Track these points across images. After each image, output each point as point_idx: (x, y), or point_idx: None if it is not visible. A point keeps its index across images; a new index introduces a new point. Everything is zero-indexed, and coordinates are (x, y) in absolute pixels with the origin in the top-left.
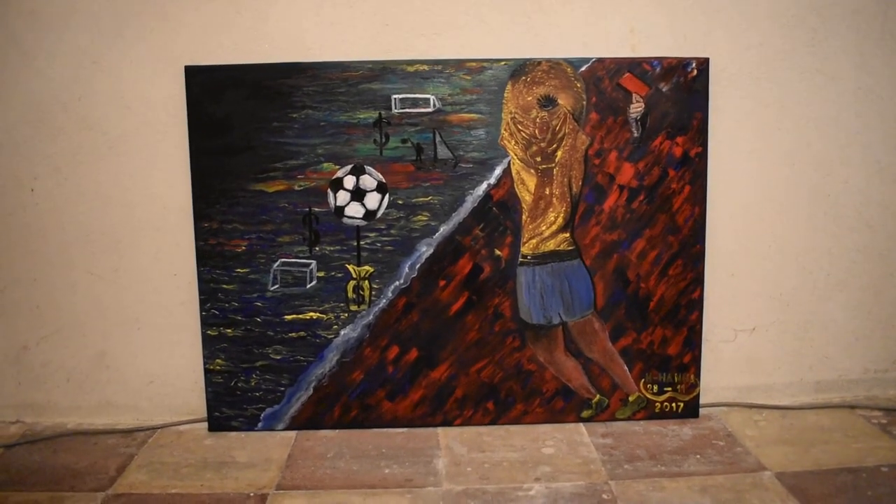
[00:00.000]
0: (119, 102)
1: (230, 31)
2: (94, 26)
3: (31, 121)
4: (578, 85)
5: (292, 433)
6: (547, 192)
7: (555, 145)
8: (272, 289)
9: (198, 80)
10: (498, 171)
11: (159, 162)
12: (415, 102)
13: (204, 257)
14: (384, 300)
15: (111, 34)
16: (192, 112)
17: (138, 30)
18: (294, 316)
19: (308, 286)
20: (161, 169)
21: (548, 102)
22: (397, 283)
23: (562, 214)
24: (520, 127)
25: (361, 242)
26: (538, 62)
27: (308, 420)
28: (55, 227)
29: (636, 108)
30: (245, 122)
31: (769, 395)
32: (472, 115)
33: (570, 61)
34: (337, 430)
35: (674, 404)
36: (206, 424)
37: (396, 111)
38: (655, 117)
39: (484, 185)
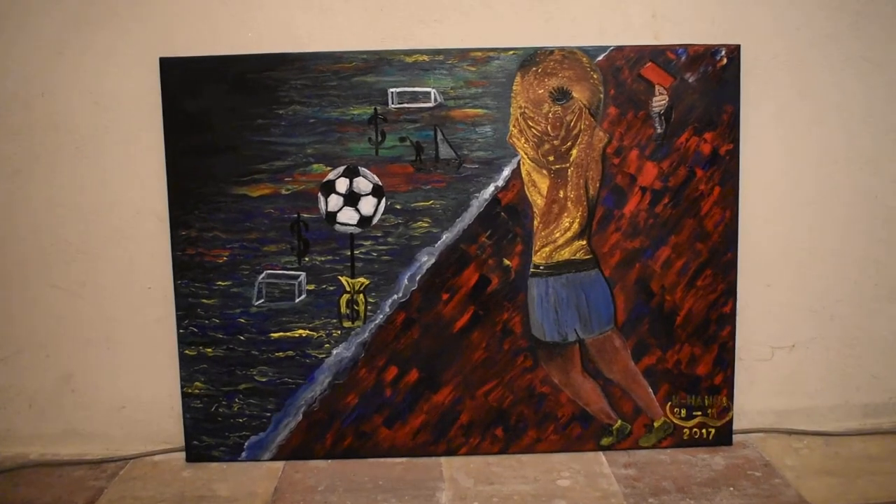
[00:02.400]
0: (87, 98)
1: (210, 18)
2: (59, 13)
3: None
4: (595, 76)
5: (279, 464)
6: (561, 195)
7: (569, 143)
8: (257, 303)
9: (174, 72)
10: (506, 172)
11: (132, 163)
12: (414, 97)
13: (181, 269)
14: (381, 316)
15: (78, 22)
16: (169, 108)
17: (108, 17)
18: (281, 334)
19: (297, 300)
20: (134, 171)
21: (561, 96)
22: (395, 296)
23: (577, 220)
24: (530, 123)
25: (356, 252)
26: (550, 51)
27: (297, 449)
28: (14, 235)
29: (659, 101)
30: (227, 119)
31: (811, 419)
32: (478, 110)
33: (585, 50)
34: (329, 461)
35: (704, 430)
36: (183, 454)
37: (394, 106)
38: (681, 111)
39: (491, 188)
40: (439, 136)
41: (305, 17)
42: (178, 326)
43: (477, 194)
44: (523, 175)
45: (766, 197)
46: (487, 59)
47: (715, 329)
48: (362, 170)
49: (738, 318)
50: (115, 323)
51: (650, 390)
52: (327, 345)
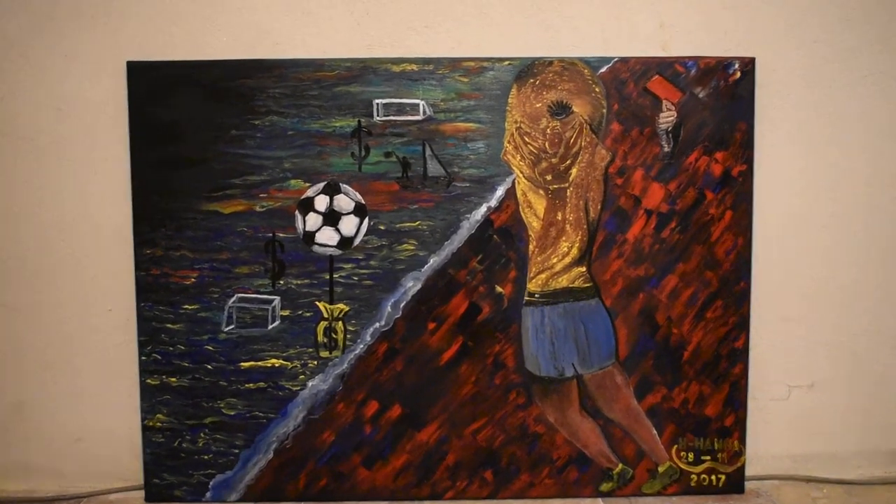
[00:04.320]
0: (48, 104)
1: (182, 20)
2: (22, 13)
3: None
4: (597, 89)
5: None
6: (559, 218)
7: (568, 161)
8: (226, 329)
9: (143, 78)
10: (500, 191)
11: (94, 175)
12: (401, 109)
13: (145, 290)
14: (361, 345)
15: (41, 22)
16: (135, 116)
17: (74, 18)
18: (252, 363)
19: (270, 327)
20: (96, 183)
21: (560, 110)
22: (377, 324)
23: (577, 244)
24: (527, 139)
25: (335, 276)
26: (549, 62)
27: (267, 490)
28: None
29: (667, 117)
30: (198, 129)
31: (831, 466)
32: (470, 124)
33: (587, 61)
34: (302, 503)
35: (713, 477)
36: (142, 493)
37: (379, 119)
38: (690, 128)
39: (483, 209)
40: (428, 152)
41: (285, 21)
42: (140, 353)
43: (468, 215)
44: (518, 195)
45: (781, 222)
46: (481, 69)
47: (726, 365)
48: (344, 187)
49: (751, 353)
50: (72, 347)
51: (654, 432)
52: (302, 376)
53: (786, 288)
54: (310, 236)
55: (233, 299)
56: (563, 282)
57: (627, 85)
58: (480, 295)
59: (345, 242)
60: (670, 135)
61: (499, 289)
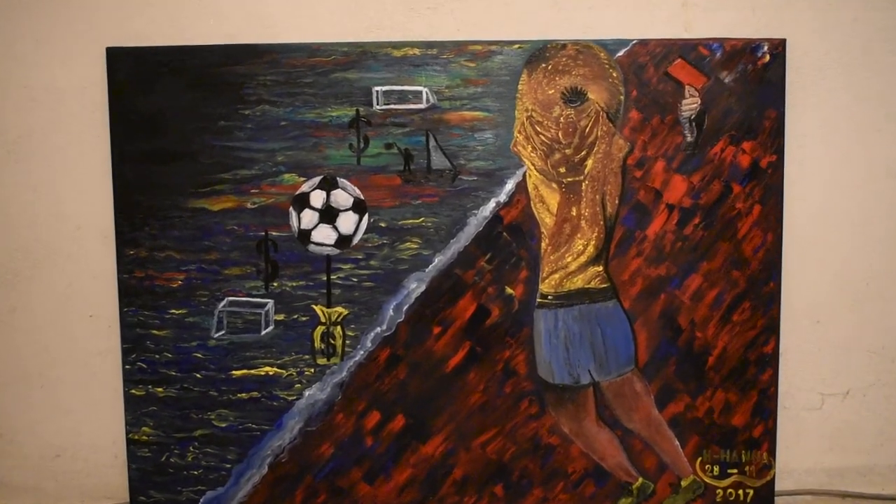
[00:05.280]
0: (21, 94)
1: (165, 3)
2: None
3: None
4: (615, 74)
5: None
6: (573, 214)
7: (584, 152)
8: (216, 336)
9: (123, 65)
10: (510, 185)
11: (72, 170)
12: (403, 97)
13: (129, 294)
14: (361, 352)
15: (11, 5)
16: (116, 107)
17: (48, 0)
18: (244, 371)
19: (263, 333)
20: (74, 179)
21: (575, 97)
22: (379, 329)
23: (592, 242)
24: (538, 129)
25: (332, 277)
26: (563, 45)
27: None
28: None
29: (690, 104)
30: (183, 120)
31: (867, 480)
32: (477, 112)
33: (603, 44)
34: None
35: (741, 491)
36: None
37: (379, 108)
38: (715, 116)
39: (491, 204)
40: (432, 143)
41: (277, 2)
42: (124, 361)
43: (475, 211)
44: (530, 189)
45: (814, 217)
46: (489, 53)
47: (754, 372)
48: (341, 181)
49: (781, 359)
50: (50, 357)
51: (677, 443)
52: (298, 385)
53: (819, 288)
54: (305, 235)
55: (223, 303)
56: (578, 282)
57: (647, 69)
58: (489, 297)
59: (343, 241)
60: (693, 123)
61: (509, 290)
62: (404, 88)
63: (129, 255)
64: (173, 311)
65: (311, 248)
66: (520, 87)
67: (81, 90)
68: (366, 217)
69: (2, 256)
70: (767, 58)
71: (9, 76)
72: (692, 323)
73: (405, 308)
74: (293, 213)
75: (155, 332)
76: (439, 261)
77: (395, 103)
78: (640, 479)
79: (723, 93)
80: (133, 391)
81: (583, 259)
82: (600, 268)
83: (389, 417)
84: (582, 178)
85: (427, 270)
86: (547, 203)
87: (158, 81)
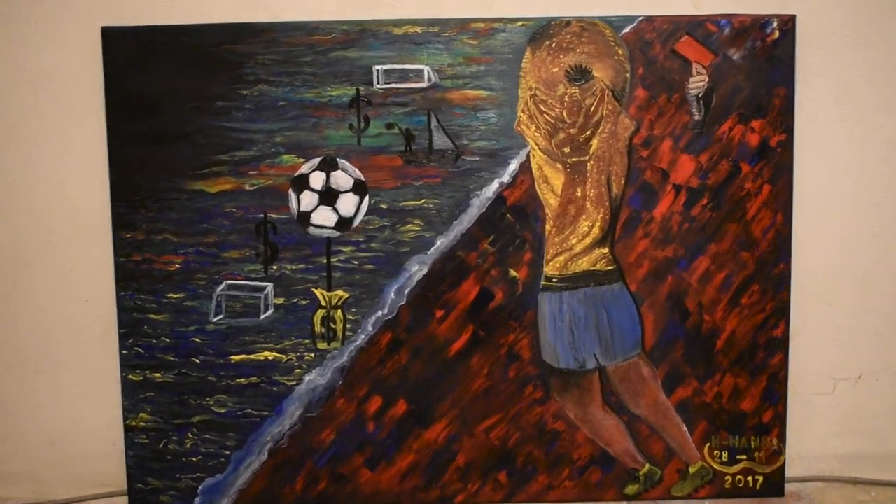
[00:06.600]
0: (17, 76)
1: None
2: None
3: None
4: (620, 52)
5: None
6: (578, 194)
7: (589, 132)
8: (215, 320)
9: (119, 45)
10: (513, 165)
11: (68, 153)
12: (404, 75)
13: (126, 278)
14: (363, 336)
15: None
16: (112, 87)
17: None
18: (243, 356)
19: (262, 317)
20: (71, 162)
21: (580, 75)
22: (380, 313)
23: (598, 223)
24: (542, 108)
25: (333, 260)
26: (567, 22)
27: (261, 494)
28: None
29: (697, 82)
30: (180, 100)
31: (881, 466)
32: (480, 91)
33: (609, 21)
34: None
35: (750, 478)
36: (126, 499)
37: (379, 87)
38: (723, 94)
39: (495, 185)
40: (433, 123)
41: None
42: (121, 346)
43: (478, 192)
44: (534, 170)
45: (825, 197)
46: (492, 30)
47: (764, 356)
48: (341, 162)
49: (791, 342)
50: (47, 342)
51: (685, 429)
52: (298, 370)
53: (830, 270)
54: (305, 217)
55: (221, 287)
56: (583, 264)
57: (654, 46)
58: (493, 279)
59: (343, 223)
60: (701, 101)
61: (513, 273)
62: (405, 67)
63: (125, 239)
64: (171, 294)
65: (311, 230)
66: (523, 65)
67: (77, 72)
68: (366, 198)
69: None
70: (777, 34)
71: (5, 59)
72: (700, 306)
73: (407, 291)
74: (292, 195)
75: (152, 316)
76: (441, 243)
77: (396, 82)
78: (647, 466)
79: (731, 70)
80: (130, 376)
81: (588, 241)
82: (606, 250)
83: (391, 403)
84: (587, 158)
85: (429, 253)
86: (551, 184)
87: (155, 62)
